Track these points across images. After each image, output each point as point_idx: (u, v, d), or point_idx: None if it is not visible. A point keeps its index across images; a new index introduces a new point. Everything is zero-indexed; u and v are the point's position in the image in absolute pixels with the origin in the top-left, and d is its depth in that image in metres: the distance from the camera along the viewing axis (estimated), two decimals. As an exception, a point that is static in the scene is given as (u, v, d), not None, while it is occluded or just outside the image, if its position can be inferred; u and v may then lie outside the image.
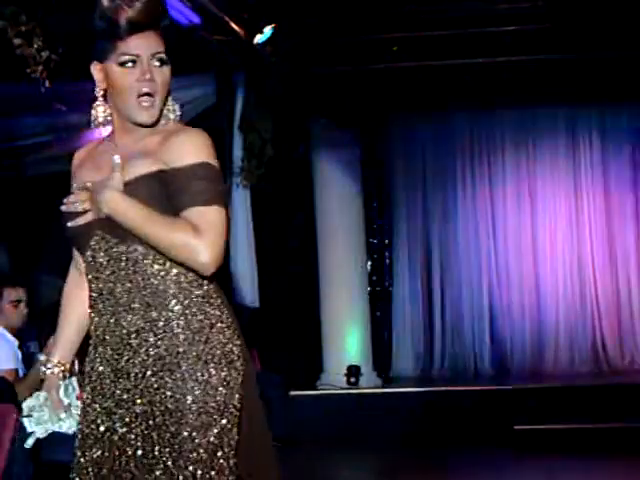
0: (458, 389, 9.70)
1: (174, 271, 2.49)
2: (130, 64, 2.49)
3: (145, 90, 2.50)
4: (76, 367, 2.74)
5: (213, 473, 2.42)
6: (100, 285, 2.53)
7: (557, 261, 10.77)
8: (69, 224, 2.56)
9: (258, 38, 7.57)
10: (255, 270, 8.54)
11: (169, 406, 2.44)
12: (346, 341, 9.91)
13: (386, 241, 10.92)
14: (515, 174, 10.91)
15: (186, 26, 6.79)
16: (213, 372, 2.45)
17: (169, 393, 2.45)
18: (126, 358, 2.50)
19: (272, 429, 2.65)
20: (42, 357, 3.75)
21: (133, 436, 2.49)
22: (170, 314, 2.48)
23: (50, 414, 2.66)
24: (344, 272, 9.96)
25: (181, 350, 2.46)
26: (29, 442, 2.70)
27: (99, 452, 2.53)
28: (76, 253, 2.70)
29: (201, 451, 2.42)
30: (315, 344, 9.92)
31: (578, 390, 9.16)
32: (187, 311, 2.48)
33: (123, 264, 2.49)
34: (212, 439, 2.43)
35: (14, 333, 5.78)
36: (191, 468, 2.41)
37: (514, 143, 10.91)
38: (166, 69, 2.53)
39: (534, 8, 7.82)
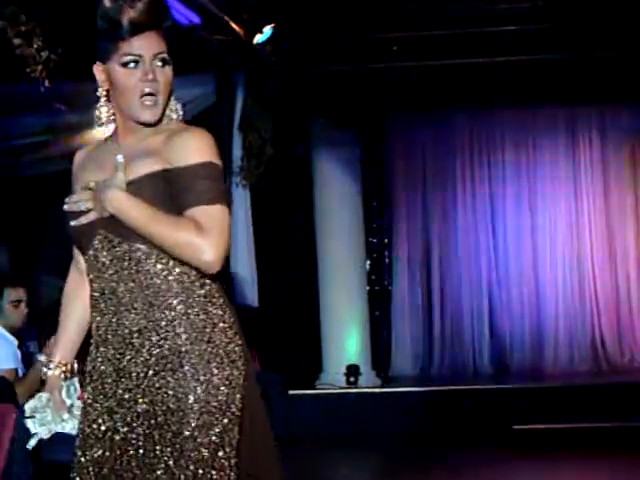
0: (457, 388, 9.70)
1: (177, 270, 2.49)
2: (132, 64, 2.49)
3: (148, 90, 2.50)
4: (75, 367, 2.73)
5: (214, 472, 2.42)
6: (102, 284, 2.53)
7: (556, 259, 10.77)
8: (72, 223, 2.55)
9: (258, 38, 7.57)
10: (254, 269, 8.54)
11: (171, 406, 2.44)
12: (345, 340, 9.91)
13: (385, 240, 10.93)
14: (515, 173, 10.91)
15: (186, 26, 6.79)
16: (215, 371, 2.45)
17: (171, 392, 2.45)
18: (128, 358, 2.50)
19: (271, 429, 2.65)
20: (42, 358, 3.75)
21: (134, 436, 2.49)
22: (173, 313, 2.48)
23: (53, 415, 2.66)
24: (343, 271, 9.97)
25: (183, 350, 2.46)
26: (31, 443, 2.69)
27: (100, 452, 2.53)
28: (77, 252, 2.69)
29: (202, 450, 2.42)
30: (314, 343, 9.92)
31: (577, 389, 9.17)
32: (190, 311, 2.48)
33: (126, 263, 2.49)
34: (214, 438, 2.43)
35: (13, 333, 5.79)
36: (192, 467, 2.41)
37: (514, 142, 10.90)
38: (168, 69, 2.54)
39: (534, 8, 7.83)
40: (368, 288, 10.43)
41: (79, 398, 2.67)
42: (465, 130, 10.95)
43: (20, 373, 5.66)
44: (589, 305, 10.67)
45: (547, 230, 10.83)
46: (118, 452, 2.50)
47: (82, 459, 2.55)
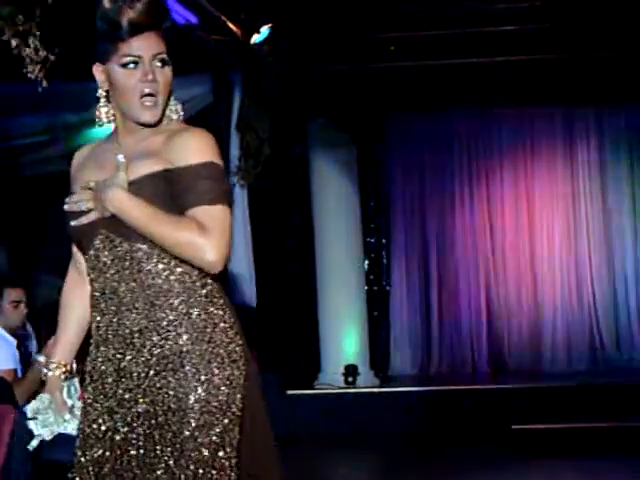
0: (456, 388, 9.69)
1: (178, 270, 2.49)
2: (132, 65, 2.50)
3: (147, 91, 2.51)
4: (74, 367, 2.73)
5: (214, 472, 2.42)
6: (103, 284, 2.53)
7: (554, 260, 10.77)
8: (72, 223, 2.56)
9: (255, 38, 7.57)
10: (252, 270, 8.54)
11: (171, 405, 2.44)
12: (343, 340, 9.91)
13: (383, 240, 10.92)
14: (512, 173, 10.92)
15: (183, 26, 6.79)
16: (216, 371, 2.45)
17: (172, 392, 2.45)
18: (129, 357, 2.50)
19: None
20: (41, 358, 3.75)
21: (135, 436, 2.49)
22: (174, 313, 2.48)
23: (55, 416, 2.65)
24: (341, 271, 9.96)
25: (184, 350, 2.46)
26: (33, 444, 2.69)
27: (100, 452, 2.53)
28: (76, 252, 2.70)
29: (203, 450, 2.42)
30: (313, 343, 9.92)
31: (576, 389, 9.17)
32: (191, 310, 2.49)
33: (127, 263, 2.49)
34: (214, 438, 2.43)
35: (13, 333, 5.78)
36: (193, 467, 2.41)
37: (512, 142, 10.91)
38: (168, 69, 2.55)
39: (532, 8, 7.83)
40: (366, 288, 10.43)
41: (79, 398, 2.66)
42: (463, 130, 10.95)
43: (19, 374, 5.66)
44: (587, 305, 10.67)
45: (545, 230, 10.83)
46: (118, 452, 2.51)
47: (82, 459, 2.55)
